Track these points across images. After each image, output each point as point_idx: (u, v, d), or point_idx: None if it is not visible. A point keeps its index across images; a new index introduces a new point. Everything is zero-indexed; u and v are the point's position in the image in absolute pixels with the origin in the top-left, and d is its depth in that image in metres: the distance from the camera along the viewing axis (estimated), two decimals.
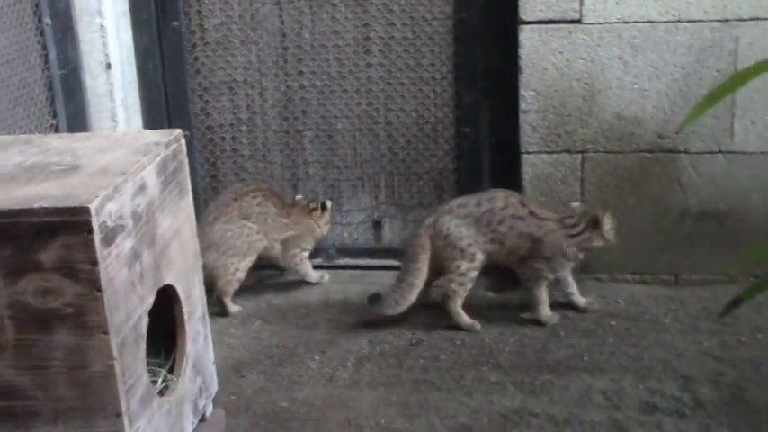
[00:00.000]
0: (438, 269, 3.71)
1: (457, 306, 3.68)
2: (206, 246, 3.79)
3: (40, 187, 2.34)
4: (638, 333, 3.58)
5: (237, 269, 3.93)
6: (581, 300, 3.76)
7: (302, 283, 4.17)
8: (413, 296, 3.67)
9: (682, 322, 3.64)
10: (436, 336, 3.66)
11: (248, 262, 3.98)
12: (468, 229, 3.64)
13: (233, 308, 3.94)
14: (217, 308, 3.86)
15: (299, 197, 4.18)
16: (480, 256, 3.66)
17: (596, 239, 3.64)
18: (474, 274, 3.67)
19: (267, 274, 4.25)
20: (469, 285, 3.67)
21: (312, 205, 4.11)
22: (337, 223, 4.33)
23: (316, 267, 4.25)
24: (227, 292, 3.92)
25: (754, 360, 3.35)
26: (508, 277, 4.06)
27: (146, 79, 4.24)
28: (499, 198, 3.67)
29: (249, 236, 3.96)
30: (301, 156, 4.29)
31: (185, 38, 4.22)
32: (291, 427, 3.14)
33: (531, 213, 3.64)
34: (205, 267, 3.69)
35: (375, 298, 3.69)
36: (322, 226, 4.13)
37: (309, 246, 4.14)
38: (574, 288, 3.76)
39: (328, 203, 4.15)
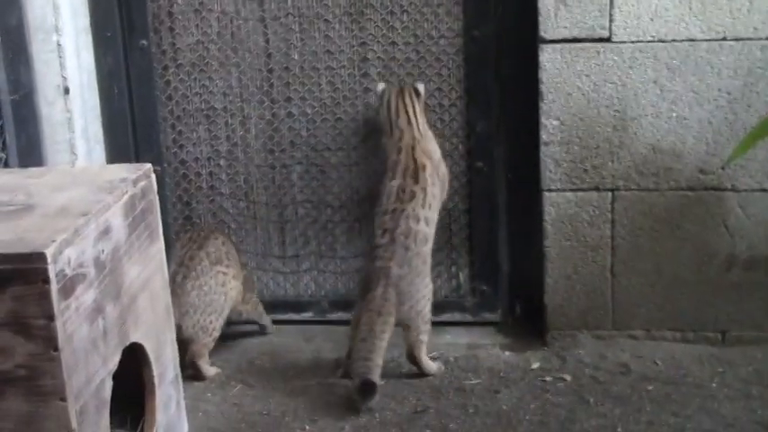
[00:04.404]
0: None
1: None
2: (183, 311, 3.80)
3: None
4: (679, 399, 3.56)
5: (215, 329, 3.92)
6: None
7: (289, 340, 4.17)
8: None
9: (730, 387, 3.62)
10: (444, 402, 3.64)
11: (225, 317, 3.98)
12: None
13: (210, 370, 3.92)
14: (190, 371, 3.85)
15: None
16: None
17: None
18: None
19: (248, 329, 4.25)
20: None
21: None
22: (330, 272, 4.33)
23: (306, 323, 4.28)
24: (203, 354, 3.91)
25: None
26: (527, 335, 4.07)
27: (109, 106, 4.25)
28: None
29: (225, 284, 3.95)
30: (289, 194, 4.30)
31: (155, 59, 4.24)
32: None
33: None
34: (182, 333, 3.70)
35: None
36: None
37: None
38: None
39: None
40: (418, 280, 3.74)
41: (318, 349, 4.11)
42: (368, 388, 3.56)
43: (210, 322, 3.90)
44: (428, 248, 3.79)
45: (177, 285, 3.84)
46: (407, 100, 3.89)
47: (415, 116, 3.88)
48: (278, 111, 4.22)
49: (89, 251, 2.38)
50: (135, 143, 4.30)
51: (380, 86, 3.97)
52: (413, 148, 3.82)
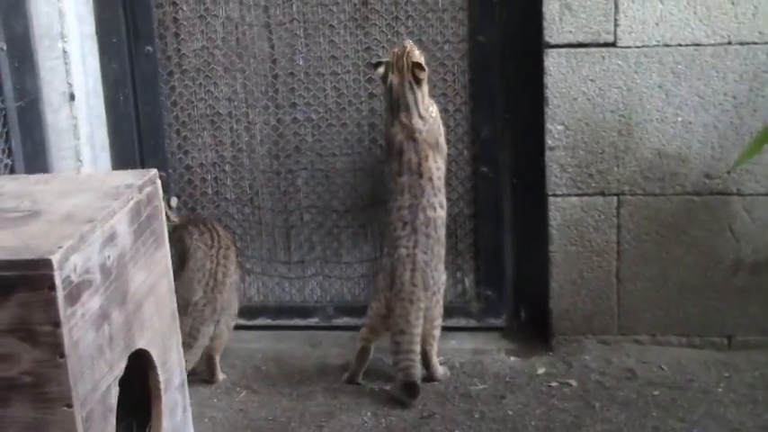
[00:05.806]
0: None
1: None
2: (224, 307, 3.86)
3: None
4: (685, 405, 3.56)
5: (232, 327, 3.97)
6: None
7: (295, 346, 4.17)
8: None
9: (736, 392, 3.62)
10: (450, 407, 3.64)
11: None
12: None
13: (220, 374, 3.93)
14: (200, 374, 3.85)
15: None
16: None
17: None
18: None
19: (254, 335, 4.25)
20: None
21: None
22: (336, 277, 4.33)
23: (311, 328, 4.29)
24: (220, 350, 3.93)
25: None
26: (532, 340, 4.07)
27: (115, 112, 4.26)
28: None
29: (240, 281, 4.05)
30: (294, 199, 4.29)
31: (161, 64, 4.24)
32: None
33: None
34: (218, 328, 3.79)
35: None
36: None
37: None
38: None
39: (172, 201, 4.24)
40: (441, 266, 3.81)
41: (324, 355, 4.11)
42: (413, 389, 3.65)
43: (233, 319, 3.96)
44: (444, 232, 3.83)
45: (219, 282, 3.89)
46: (408, 89, 3.76)
47: (416, 103, 3.77)
48: (283, 116, 4.21)
49: (95, 257, 2.37)
50: (140, 149, 4.30)
51: (380, 70, 3.83)
52: (414, 141, 3.76)
